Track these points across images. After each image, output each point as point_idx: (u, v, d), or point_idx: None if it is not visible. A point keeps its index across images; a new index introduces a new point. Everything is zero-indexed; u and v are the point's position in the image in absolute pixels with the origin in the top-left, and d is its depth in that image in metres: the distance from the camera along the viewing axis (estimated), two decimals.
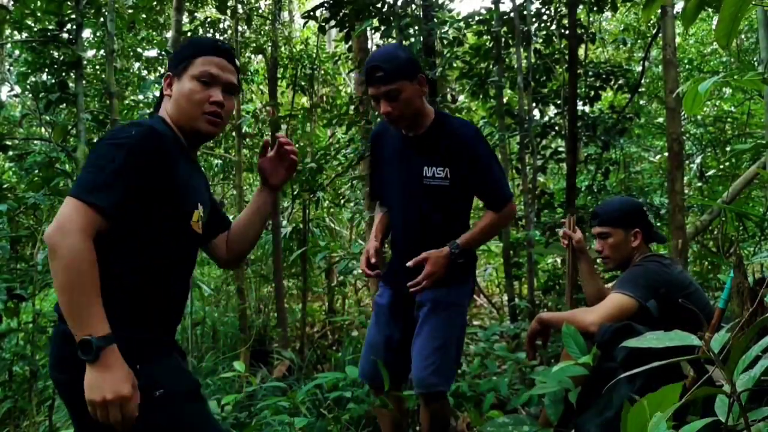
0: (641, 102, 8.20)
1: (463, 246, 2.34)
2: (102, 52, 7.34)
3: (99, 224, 1.43)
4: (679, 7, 4.55)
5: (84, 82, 3.94)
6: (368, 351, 2.57)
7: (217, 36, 7.50)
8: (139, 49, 7.93)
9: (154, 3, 6.26)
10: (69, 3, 3.95)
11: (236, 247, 1.90)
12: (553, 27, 5.80)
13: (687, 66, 9.26)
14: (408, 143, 2.41)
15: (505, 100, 5.69)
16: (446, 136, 2.35)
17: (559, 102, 5.71)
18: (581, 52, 5.94)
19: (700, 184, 6.64)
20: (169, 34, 5.98)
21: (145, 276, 1.57)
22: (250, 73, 7.93)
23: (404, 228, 2.48)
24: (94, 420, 1.43)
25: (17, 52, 6.81)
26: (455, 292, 2.43)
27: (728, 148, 6.59)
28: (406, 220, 2.46)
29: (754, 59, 8.03)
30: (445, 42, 5.52)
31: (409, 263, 2.33)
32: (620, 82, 5.84)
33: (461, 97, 7.08)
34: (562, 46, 5.83)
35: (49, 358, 1.57)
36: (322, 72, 8.21)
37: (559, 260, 6.05)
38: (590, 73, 5.78)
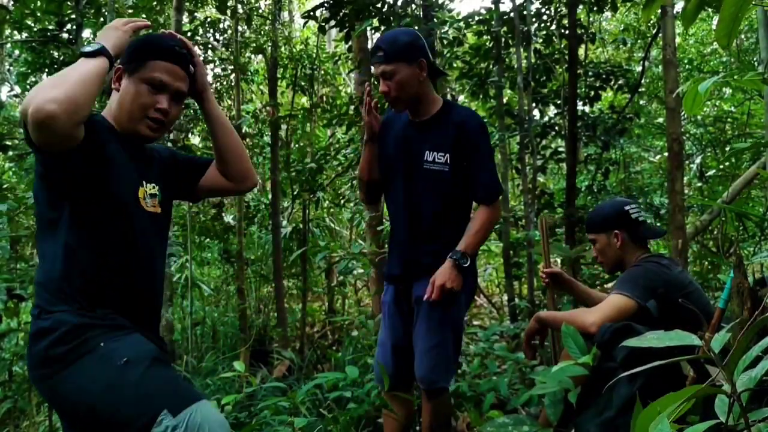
0: (641, 102, 8.20)
1: (465, 251, 2.32)
2: None
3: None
4: (679, 7, 4.55)
5: None
6: (379, 352, 2.58)
7: (217, 36, 7.52)
8: None
9: (154, 3, 6.26)
10: (69, 3, 3.95)
11: (231, 167, 1.89)
12: (553, 27, 5.80)
13: (687, 66, 9.26)
14: (412, 127, 2.44)
15: (505, 100, 5.70)
16: (452, 122, 2.37)
17: (559, 102, 5.71)
18: (581, 52, 5.94)
19: (700, 184, 6.64)
20: None
21: (98, 257, 1.58)
22: (250, 73, 7.93)
23: (404, 214, 2.45)
24: (81, 417, 1.50)
25: (17, 52, 6.82)
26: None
27: (728, 148, 6.59)
28: (406, 203, 2.44)
29: (754, 59, 8.03)
30: (445, 42, 5.52)
31: (425, 297, 2.30)
32: (620, 82, 5.85)
33: (461, 97, 7.08)
34: (562, 46, 5.83)
35: (28, 360, 1.57)
36: (322, 72, 8.22)
37: (559, 260, 6.05)
38: (590, 73, 5.78)
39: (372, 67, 2.38)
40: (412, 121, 2.45)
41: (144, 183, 1.71)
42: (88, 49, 1.54)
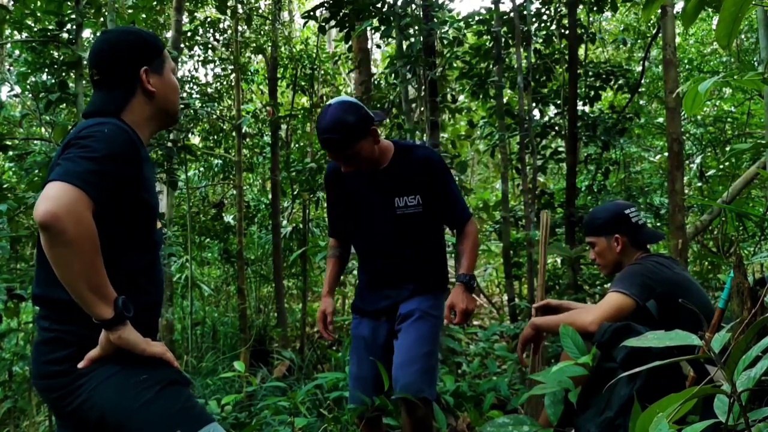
0: (641, 102, 8.20)
1: (469, 272, 2.46)
2: None
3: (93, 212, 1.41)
4: (679, 7, 4.55)
5: (84, 82, 3.94)
6: (356, 385, 2.56)
7: (217, 36, 7.52)
8: None
9: (154, 3, 6.26)
10: (69, 3, 3.95)
11: None
12: (553, 27, 5.80)
13: (687, 66, 9.26)
14: (374, 178, 2.46)
15: (505, 100, 5.69)
16: (409, 165, 2.44)
17: (559, 102, 5.71)
18: (581, 52, 5.94)
19: (700, 184, 6.65)
20: (169, 34, 5.98)
21: (119, 270, 1.54)
22: (250, 73, 7.93)
23: (383, 258, 2.53)
24: (91, 427, 1.48)
25: (17, 52, 6.82)
26: (437, 305, 2.50)
27: (728, 148, 6.59)
28: (384, 252, 2.51)
29: (754, 59, 8.03)
30: (445, 42, 5.52)
31: (446, 322, 2.47)
32: (620, 82, 5.85)
33: (461, 97, 7.08)
34: (562, 46, 5.83)
35: (38, 367, 1.54)
36: (322, 72, 8.21)
37: (559, 260, 6.05)
38: (590, 73, 5.78)
39: (328, 154, 2.41)
40: (371, 171, 2.45)
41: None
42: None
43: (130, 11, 6.08)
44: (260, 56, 8.17)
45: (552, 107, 6.04)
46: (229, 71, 7.78)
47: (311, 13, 4.91)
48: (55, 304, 1.52)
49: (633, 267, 2.46)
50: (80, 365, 1.47)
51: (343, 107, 2.28)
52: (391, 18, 4.45)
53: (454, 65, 5.99)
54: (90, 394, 1.48)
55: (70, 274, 1.36)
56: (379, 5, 4.52)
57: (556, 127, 5.80)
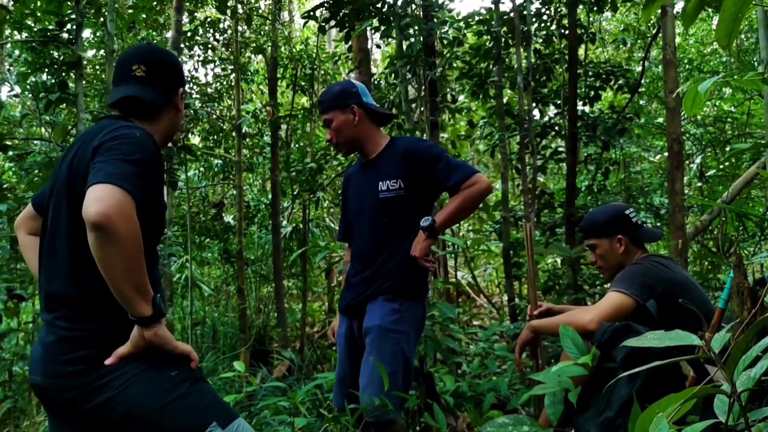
0: (641, 102, 8.20)
1: (439, 219, 2.40)
2: (102, 52, 7.34)
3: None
4: (679, 7, 4.55)
5: (84, 82, 3.94)
6: (337, 385, 2.57)
7: (217, 36, 7.52)
8: None
9: (154, 3, 6.26)
10: (69, 3, 3.95)
11: None
12: (553, 27, 5.80)
13: (687, 66, 9.26)
14: (365, 169, 2.59)
15: (505, 100, 5.69)
16: (394, 152, 2.51)
17: (559, 102, 5.71)
18: (581, 52, 5.94)
19: (700, 184, 6.65)
20: (169, 34, 5.98)
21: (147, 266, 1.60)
22: (250, 73, 7.93)
23: (364, 246, 2.52)
24: (116, 423, 1.51)
25: (17, 52, 6.82)
26: (403, 318, 2.40)
27: (728, 148, 6.59)
28: (367, 239, 2.51)
29: (754, 59, 8.03)
30: (445, 42, 5.52)
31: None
32: (620, 82, 5.84)
33: (461, 97, 7.08)
34: (562, 46, 5.83)
35: (53, 367, 1.54)
36: (322, 72, 8.21)
37: (559, 260, 6.05)
38: (590, 73, 5.78)
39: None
40: (364, 163, 2.60)
41: None
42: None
43: (130, 11, 6.08)
44: (260, 56, 8.17)
45: (552, 107, 6.04)
46: (229, 71, 7.78)
47: (311, 13, 4.91)
48: (75, 303, 1.54)
49: (633, 267, 2.46)
50: (108, 362, 1.50)
51: (343, 82, 2.61)
52: (391, 18, 4.44)
53: (454, 65, 5.99)
54: (118, 390, 1.50)
55: (119, 272, 1.40)
56: (379, 5, 4.51)
57: (556, 127, 5.80)
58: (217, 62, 7.75)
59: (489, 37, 5.40)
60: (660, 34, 4.58)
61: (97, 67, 7.51)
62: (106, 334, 1.52)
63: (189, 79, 7.51)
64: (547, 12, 5.75)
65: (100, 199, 1.36)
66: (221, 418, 1.55)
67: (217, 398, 1.61)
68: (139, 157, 1.49)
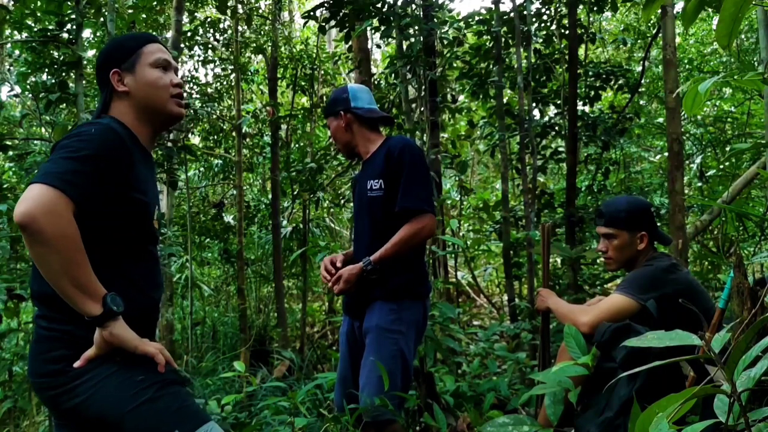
0: (641, 102, 8.20)
1: (375, 261, 2.39)
2: None
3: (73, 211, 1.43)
4: (679, 7, 4.55)
5: (84, 82, 3.94)
6: (339, 385, 2.58)
7: (217, 36, 7.52)
8: None
9: (154, 3, 6.26)
10: (69, 3, 3.94)
11: None
12: (553, 27, 5.80)
13: (687, 66, 9.26)
14: (363, 169, 2.66)
15: (505, 100, 5.69)
16: (382, 152, 2.53)
17: (559, 102, 5.71)
18: (581, 52, 5.94)
19: (700, 184, 6.65)
20: (169, 34, 5.98)
21: (114, 270, 1.55)
22: (250, 73, 7.93)
23: (363, 245, 2.54)
24: (89, 428, 1.49)
25: (17, 52, 6.81)
26: (400, 319, 2.40)
27: (728, 148, 6.59)
28: (365, 238, 2.54)
29: (754, 59, 8.03)
30: (445, 42, 5.52)
31: (329, 285, 2.49)
32: (620, 82, 5.84)
33: (461, 97, 7.08)
34: (562, 46, 5.83)
35: (35, 365, 1.54)
36: (322, 72, 8.22)
37: (559, 260, 6.05)
38: (590, 73, 5.78)
39: None
40: (363, 164, 2.67)
41: (155, 205, 1.73)
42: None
43: (130, 11, 6.08)
44: (260, 56, 8.17)
45: (552, 107, 6.04)
46: (229, 71, 7.78)
47: (311, 13, 4.91)
48: (51, 302, 1.52)
49: (646, 269, 2.40)
50: (76, 365, 1.48)
51: (338, 88, 2.71)
52: (391, 18, 4.44)
53: (454, 65, 5.99)
54: (88, 394, 1.48)
55: (52, 272, 1.40)
56: (379, 5, 4.51)
57: (556, 127, 5.80)
58: (217, 62, 7.75)
59: (489, 37, 5.40)
60: (660, 34, 4.58)
61: None
62: (85, 335, 1.49)
63: (189, 79, 7.51)
64: (547, 12, 5.75)
65: (26, 199, 1.36)
66: (190, 422, 1.51)
67: (187, 402, 1.57)
68: (86, 153, 1.45)
